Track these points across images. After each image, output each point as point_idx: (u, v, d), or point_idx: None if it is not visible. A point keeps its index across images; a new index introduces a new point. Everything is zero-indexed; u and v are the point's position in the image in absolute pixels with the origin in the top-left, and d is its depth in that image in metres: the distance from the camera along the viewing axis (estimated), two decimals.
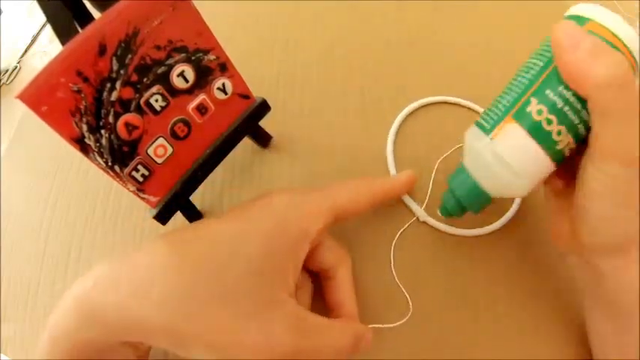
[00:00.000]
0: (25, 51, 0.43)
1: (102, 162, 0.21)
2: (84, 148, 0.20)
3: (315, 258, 0.24)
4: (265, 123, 0.29)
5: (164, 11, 0.20)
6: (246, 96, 0.26)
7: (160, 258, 0.19)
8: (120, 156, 0.22)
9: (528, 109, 0.20)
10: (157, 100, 0.22)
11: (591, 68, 0.17)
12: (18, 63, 0.42)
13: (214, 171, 0.27)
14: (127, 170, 0.22)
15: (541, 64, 0.20)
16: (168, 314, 0.18)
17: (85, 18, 0.24)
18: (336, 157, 0.32)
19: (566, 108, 0.19)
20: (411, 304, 0.26)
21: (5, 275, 0.28)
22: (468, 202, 0.24)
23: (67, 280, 0.27)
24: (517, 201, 0.30)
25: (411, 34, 0.40)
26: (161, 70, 0.22)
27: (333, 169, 0.31)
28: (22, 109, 0.36)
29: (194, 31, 0.22)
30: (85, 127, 0.20)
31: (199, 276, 0.18)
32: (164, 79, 0.22)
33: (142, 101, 0.21)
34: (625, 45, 0.18)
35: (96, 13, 0.22)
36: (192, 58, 0.22)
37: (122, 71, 0.20)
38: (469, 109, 0.34)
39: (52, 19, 0.21)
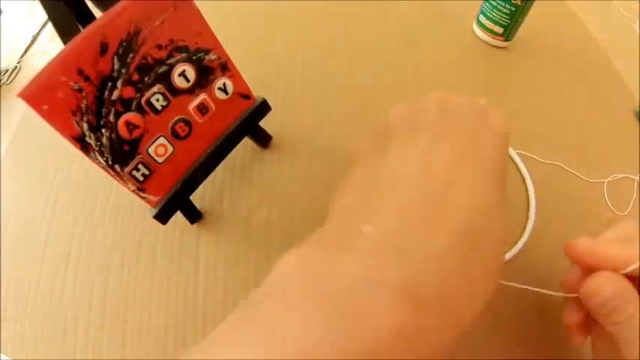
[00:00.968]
0: (25, 51, 0.43)
1: (102, 161, 0.21)
2: (84, 147, 0.20)
3: None
4: (265, 123, 0.29)
5: (165, 11, 0.20)
6: (246, 96, 0.26)
7: None
8: (120, 155, 0.22)
9: None
10: (157, 100, 0.22)
11: None
12: (18, 63, 0.42)
13: (214, 171, 0.27)
14: (127, 169, 0.22)
15: None
16: None
17: (87, 17, 0.24)
18: (335, 158, 0.32)
19: None
20: None
21: (5, 275, 0.28)
22: None
23: (67, 280, 0.27)
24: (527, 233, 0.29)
25: (411, 35, 0.40)
26: (162, 69, 0.22)
27: (333, 169, 0.31)
28: (22, 109, 0.36)
29: (195, 31, 0.22)
30: (85, 126, 0.20)
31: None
32: (165, 79, 0.22)
33: (142, 100, 0.21)
34: None
35: (97, 13, 0.22)
36: (194, 57, 0.22)
37: (123, 70, 0.20)
38: None
39: (54, 18, 0.21)
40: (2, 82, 0.41)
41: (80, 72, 0.19)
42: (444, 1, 0.45)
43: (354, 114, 0.34)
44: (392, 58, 0.38)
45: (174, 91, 0.23)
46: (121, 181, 0.22)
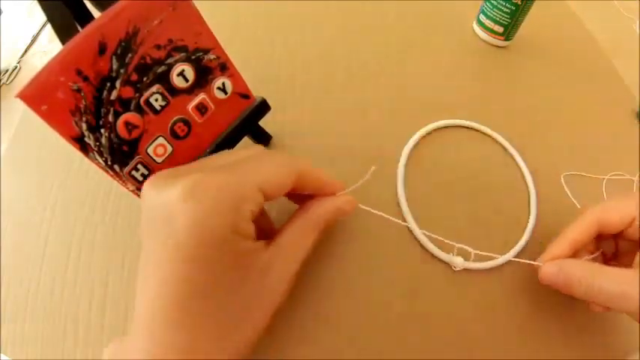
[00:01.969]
0: (25, 51, 0.43)
1: (101, 161, 0.21)
2: (83, 148, 0.20)
3: None
4: (265, 123, 0.29)
5: (164, 10, 0.20)
6: (246, 95, 0.26)
7: None
8: (120, 155, 0.22)
9: None
10: (156, 100, 0.22)
11: None
12: (18, 63, 0.42)
13: None
14: (126, 169, 0.22)
15: None
16: None
17: (85, 17, 0.24)
18: (335, 158, 0.32)
19: None
20: None
21: (5, 275, 0.28)
22: None
23: (67, 280, 0.27)
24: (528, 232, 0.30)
25: (411, 34, 0.40)
26: (161, 69, 0.22)
27: (333, 169, 0.31)
28: (22, 109, 0.36)
29: (194, 31, 0.22)
30: (84, 127, 0.20)
31: None
32: (164, 79, 0.22)
33: (141, 100, 0.21)
34: None
35: (96, 13, 0.22)
36: (192, 57, 0.22)
37: (122, 70, 0.20)
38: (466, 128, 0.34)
39: (53, 18, 0.21)
40: (2, 82, 0.41)
41: (79, 72, 0.19)
42: (443, 1, 0.45)
43: (354, 114, 0.34)
44: (392, 57, 0.38)
45: (174, 91, 0.23)
46: (120, 182, 0.22)
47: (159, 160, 0.23)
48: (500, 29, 0.39)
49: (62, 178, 0.32)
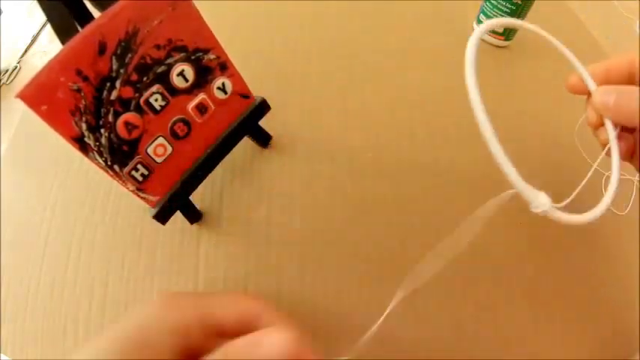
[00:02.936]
0: (25, 51, 0.43)
1: (101, 161, 0.21)
2: (83, 148, 0.20)
3: None
4: (265, 122, 0.29)
5: (164, 11, 0.20)
6: (246, 95, 0.26)
7: None
8: (119, 155, 0.22)
9: None
10: (156, 100, 0.22)
11: None
12: (18, 63, 0.42)
13: (214, 171, 0.27)
14: (126, 169, 0.22)
15: None
16: None
17: (85, 17, 0.24)
18: (335, 158, 0.32)
19: None
20: None
21: (5, 275, 0.28)
22: None
23: (67, 280, 0.27)
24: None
25: (411, 34, 0.40)
26: (161, 69, 0.22)
27: (333, 169, 0.31)
28: (22, 109, 0.36)
29: (194, 31, 0.22)
30: (84, 126, 0.20)
31: None
32: (164, 79, 0.22)
33: (141, 100, 0.21)
34: None
35: (96, 13, 0.22)
36: (192, 57, 0.22)
37: (122, 70, 0.20)
38: None
39: (52, 18, 0.21)
40: (2, 82, 0.41)
41: (79, 72, 0.19)
42: (443, 1, 0.45)
43: (355, 114, 0.34)
44: (392, 57, 0.38)
45: (173, 90, 0.23)
46: (120, 182, 0.22)
47: (159, 160, 0.23)
48: (501, 29, 0.39)
49: (62, 178, 0.32)
